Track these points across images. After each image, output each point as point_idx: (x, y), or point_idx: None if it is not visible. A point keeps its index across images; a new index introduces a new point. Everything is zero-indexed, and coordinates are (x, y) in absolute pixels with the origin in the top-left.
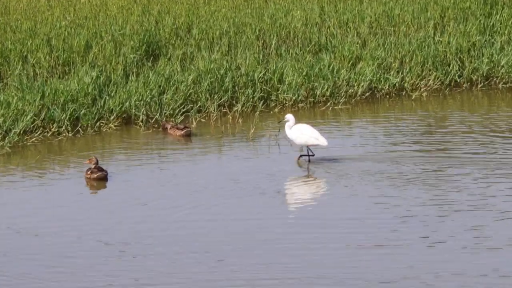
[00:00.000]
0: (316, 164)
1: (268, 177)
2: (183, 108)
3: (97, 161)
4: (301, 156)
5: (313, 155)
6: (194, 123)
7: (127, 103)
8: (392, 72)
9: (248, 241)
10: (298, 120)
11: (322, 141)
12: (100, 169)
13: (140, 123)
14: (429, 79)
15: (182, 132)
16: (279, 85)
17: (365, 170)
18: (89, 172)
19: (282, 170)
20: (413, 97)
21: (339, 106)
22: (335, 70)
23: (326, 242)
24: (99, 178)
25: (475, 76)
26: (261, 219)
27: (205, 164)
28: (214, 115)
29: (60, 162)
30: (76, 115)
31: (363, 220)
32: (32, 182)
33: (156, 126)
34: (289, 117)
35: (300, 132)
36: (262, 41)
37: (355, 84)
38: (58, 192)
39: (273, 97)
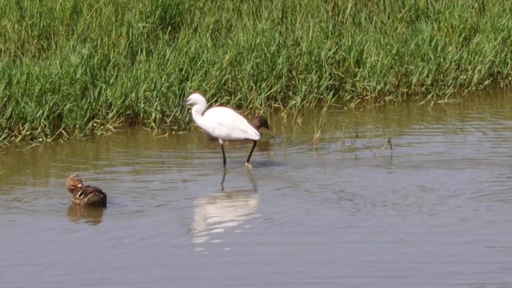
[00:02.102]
0: (406, 179)
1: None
2: (216, 101)
3: (78, 179)
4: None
5: (224, 162)
6: None
7: (133, 95)
8: None
9: None
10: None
11: (251, 133)
12: (94, 190)
13: (152, 124)
14: None
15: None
16: (356, 69)
17: (479, 190)
18: (78, 195)
19: (367, 190)
20: None
21: (445, 100)
22: (439, 48)
23: None
24: (93, 203)
25: None
26: None
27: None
28: (261, 111)
29: (33, 180)
30: (57, 111)
31: None
32: None
33: (176, 127)
34: (195, 97)
35: (217, 122)
36: (333, 4)
37: (469, 68)
38: (31, 228)
39: (348, 87)
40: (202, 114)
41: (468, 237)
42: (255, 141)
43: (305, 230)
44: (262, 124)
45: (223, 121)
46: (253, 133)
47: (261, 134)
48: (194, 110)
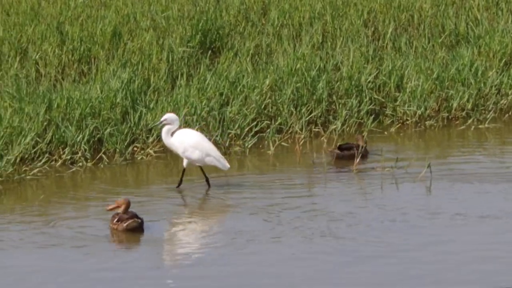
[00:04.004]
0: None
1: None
2: (256, 126)
3: (129, 204)
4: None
5: (179, 185)
6: (272, 148)
7: None
8: None
9: None
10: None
11: (223, 162)
12: (132, 216)
13: None
14: None
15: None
16: (397, 94)
17: None
18: (116, 221)
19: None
20: None
21: (486, 125)
22: (479, 72)
23: None
24: (131, 229)
25: None
26: None
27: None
28: (302, 136)
29: (74, 205)
30: (98, 136)
31: None
32: (32, 238)
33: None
34: (170, 117)
35: (190, 144)
36: (373, 29)
37: (509, 93)
38: (71, 257)
39: (389, 111)
40: (172, 134)
41: None
42: (185, 169)
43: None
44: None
45: (198, 145)
46: (224, 163)
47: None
48: (165, 130)
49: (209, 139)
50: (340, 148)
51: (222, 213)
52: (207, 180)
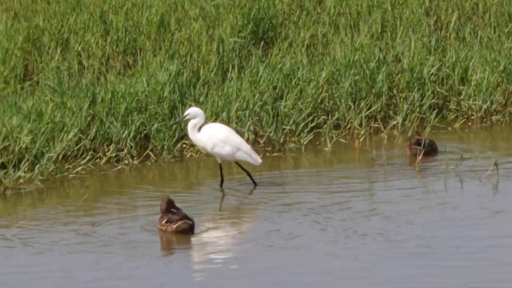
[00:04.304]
0: None
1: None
2: (312, 121)
3: (169, 202)
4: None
5: (221, 183)
6: (329, 145)
7: (224, 114)
8: None
9: None
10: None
11: (255, 157)
12: (182, 217)
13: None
14: None
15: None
16: (461, 87)
17: None
18: (165, 222)
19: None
20: None
21: None
22: None
23: None
24: (182, 230)
25: None
26: None
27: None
28: (362, 132)
29: (119, 205)
30: (144, 132)
31: None
32: (74, 240)
33: (269, 149)
34: (193, 111)
35: (219, 139)
36: (435, 18)
37: None
38: (116, 259)
39: (452, 105)
40: (199, 130)
41: None
42: (221, 165)
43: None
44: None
45: (228, 139)
46: (256, 158)
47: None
48: (191, 125)
49: (239, 134)
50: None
51: (275, 213)
52: (250, 178)
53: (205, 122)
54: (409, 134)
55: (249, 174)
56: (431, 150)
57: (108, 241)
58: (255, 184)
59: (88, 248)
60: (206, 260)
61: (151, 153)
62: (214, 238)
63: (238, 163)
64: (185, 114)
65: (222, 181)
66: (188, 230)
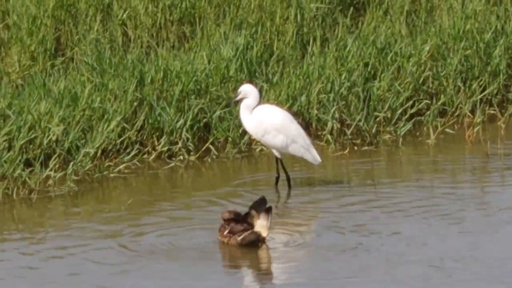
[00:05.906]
0: None
1: None
2: (412, 106)
3: (235, 215)
4: (277, 180)
5: (288, 179)
6: (433, 136)
7: (303, 98)
8: None
9: None
10: None
11: (314, 154)
12: (247, 227)
13: (328, 136)
14: None
15: None
16: None
17: None
18: (227, 233)
19: None
20: None
21: None
22: None
23: None
24: (248, 243)
25: None
26: None
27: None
28: (474, 121)
29: (171, 211)
30: (204, 120)
31: None
32: (116, 251)
33: (359, 141)
34: (245, 89)
35: (273, 126)
36: None
37: None
38: (165, 274)
39: None
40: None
41: None
42: (280, 159)
43: None
44: None
45: (283, 128)
46: (315, 156)
47: None
48: (243, 106)
49: (298, 122)
50: None
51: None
52: (287, 179)
53: (260, 103)
54: None
55: (288, 179)
56: None
57: (158, 258)
58: (289, 187)
59: (133, 268)
60: (274, 274)
61: (211, 147)
62: (279, 250)
63: (278, 161)
64: (239, 91)
65: (277, 178)
66: (256, 242)
